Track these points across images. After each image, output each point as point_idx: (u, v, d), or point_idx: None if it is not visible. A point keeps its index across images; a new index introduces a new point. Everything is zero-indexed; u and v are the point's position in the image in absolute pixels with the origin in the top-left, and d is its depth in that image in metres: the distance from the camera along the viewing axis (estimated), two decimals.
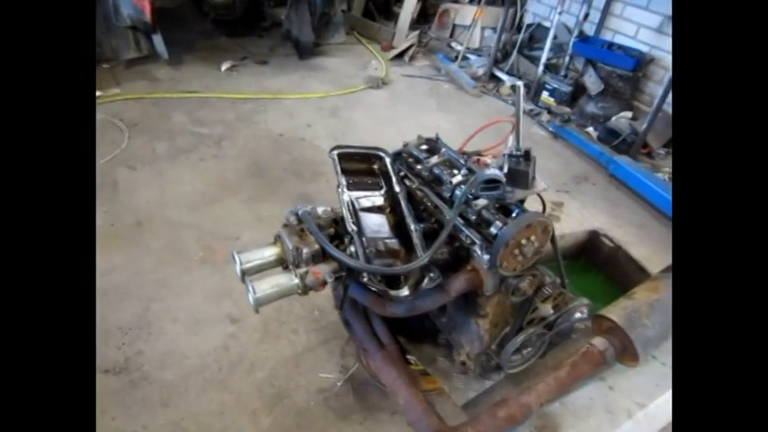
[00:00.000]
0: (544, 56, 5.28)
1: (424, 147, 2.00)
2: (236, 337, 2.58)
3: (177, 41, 5.59)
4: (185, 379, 2.33)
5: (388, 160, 1.91)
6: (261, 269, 1.56)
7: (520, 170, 1.69)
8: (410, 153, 1.99)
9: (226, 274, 2.90)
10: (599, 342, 1.86)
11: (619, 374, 1.86)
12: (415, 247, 1.58)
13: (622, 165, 4.06)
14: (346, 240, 1.58)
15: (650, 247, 3.36)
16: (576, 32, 5.19)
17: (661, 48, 4.74)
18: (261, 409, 2.25)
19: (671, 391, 1.82)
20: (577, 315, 1.91)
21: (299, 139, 4.35)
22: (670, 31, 4.56)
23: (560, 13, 5.04)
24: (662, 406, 1.78)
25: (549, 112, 5.10)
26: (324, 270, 1.54)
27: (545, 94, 5.23)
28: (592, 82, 4.88)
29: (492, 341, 1.81)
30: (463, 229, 1.66)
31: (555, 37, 5.41)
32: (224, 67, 5.48)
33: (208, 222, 3.28)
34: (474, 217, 1.66)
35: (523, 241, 1.52)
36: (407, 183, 1.94)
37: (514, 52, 5.75)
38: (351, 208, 1.65)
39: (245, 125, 4.51)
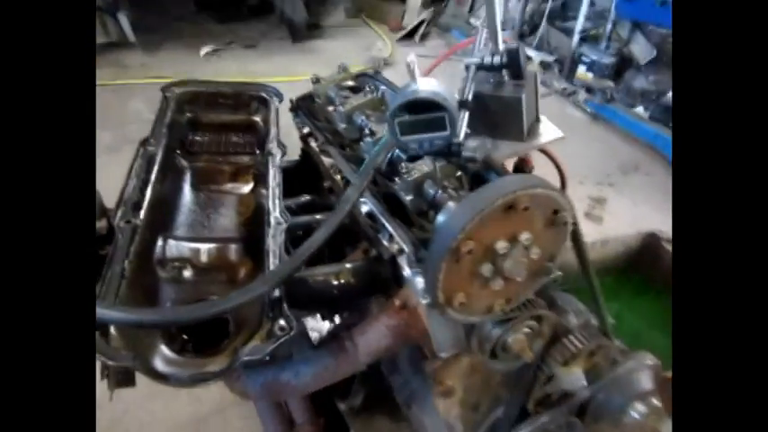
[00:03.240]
0: (578, 24, 4.32)
1: (349, 84, 1.13)
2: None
3: (155, 25, 4.97)
4: None
5: (274, 105, 1.06)
6: None
7: (502, 97, 0.80)
8: (323, 95, 1.13)
9: None
10: None
11: None
12: (265, 259, 0.73)
13: None
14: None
15: None
16: None
17: None
18: None
19: None
20: (634, 385, 1.02)
21: None
22: None
23: None
24: None
25: (588, 90, 4.13)
26: None
27: (581, 69, 4.25)
28: (641, 49, 3.89)
29: None
30: (382, 219, 0.80)
31: (592, 3, 4.44)
32: (203, 51, 4.79)
33: None
34: (409, 197, 0.79)
35: (499, 244, 0.63)
36: (311, 144, 1.08)
37: (543, 23, 4.80)
38: (140, 173, 0.81)
39: None
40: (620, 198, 2.94)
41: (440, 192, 0.78)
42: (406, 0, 5.77)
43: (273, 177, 0.86)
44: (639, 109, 3.86)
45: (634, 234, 2.13)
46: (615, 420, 0.99)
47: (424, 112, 0.67)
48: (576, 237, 0.77)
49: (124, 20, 4.36)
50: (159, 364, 0.60)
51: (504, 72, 0.82)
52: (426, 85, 0.66)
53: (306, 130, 1.12)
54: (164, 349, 0.65)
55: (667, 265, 2.10)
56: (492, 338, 0.80)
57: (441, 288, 0.65)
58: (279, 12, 5.13)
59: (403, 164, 0.82)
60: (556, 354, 0.96)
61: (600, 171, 3.22)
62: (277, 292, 0.68)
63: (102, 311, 0.57)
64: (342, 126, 1.05)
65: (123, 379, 0.80)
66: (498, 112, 0.81)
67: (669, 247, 2.12)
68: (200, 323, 0.70)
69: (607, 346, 1.03)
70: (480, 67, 0.81)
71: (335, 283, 0.79)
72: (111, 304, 0.63)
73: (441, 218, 0.68)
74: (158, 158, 0.86)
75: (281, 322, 0.64)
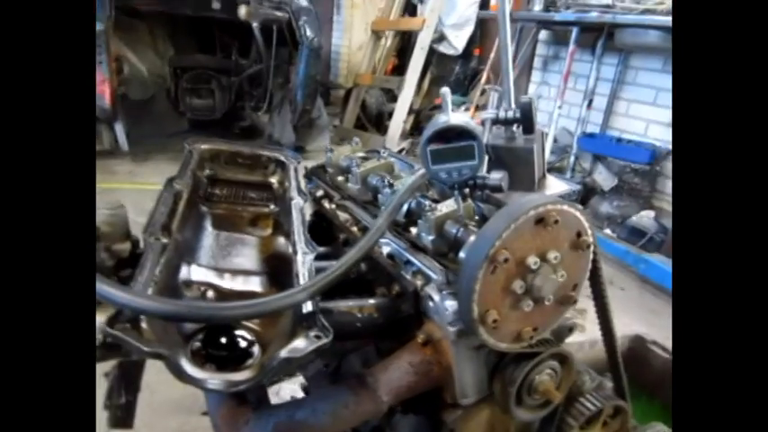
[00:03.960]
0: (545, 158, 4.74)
1: (360, 155, 1.22)
2: None
3: (146, 137, 5.19)
4: None
5: (292, 167, 1.12)
6: None
7: (515, 148, 0.88)
8: (335, 165, 1.21)
9: None
10: None
11: None
12: (294, 282, 0.72)
13: (656, 264, 3.22)
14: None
15: None
16: (578, 130, 4.71)
17: None
18: None
19: None
20: None
21: None
22: None
23: (560, 107, 4.60)
24: None
25: None
26: None
27: None
28: (603, 178, 4.26)
29: None
30: (406, 255, 0.81)
31: (555, 140, 4.95)
32: None
33: None
34: (431, 236, 0.82)
35: (530, 259, 0.66)
36: (325, 204, 1.12)
37: None
38: (167, 203, 0.82)
39: None
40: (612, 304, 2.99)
41: (462, 230, 0.82)
42: (386, 131, 6.27)
43: (297, 217, 0.88)
44: (607, 231, 4.11)
45: (620, 336, 2.15)
46: None
47: (454, 141, 0.74)
48: (596, 265, 0.80)
49: (120, 130, 4.56)
50: (188, 368, 0.56)
51: (516, 129, 0.91)
52: (457, 118, 0.74)
53: (320, 193, 1.17)
54: (188, 358, 0.61)
55: (654, 367, 2.09)
56: (516, 380, 0.78)
57: (476, 301, 0.65)
58: (267, 134, 5.45)
59: (426, 203, 0.86)
60: (573, 416, 0.92)
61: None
62: (310, 306, 0.66)
63: (137, 300, 0.55)
64: (356, 188, 1.11)
65: (123, 417, 0.73)
66: (511, 164, 0.88)
67: (656, 349, 2.13)
68: (223, 333, 0.67)
69: (625, 410, 1.00)
70: (495, 121, 0.90)
71: (359, 315, 0.78)
72: (147, 295, 0.61)
73: (471, 240, 0.70)
74: (184, 196, 0.88)
75: (315, 331, 0.62)
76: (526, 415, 0.82)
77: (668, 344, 2.18)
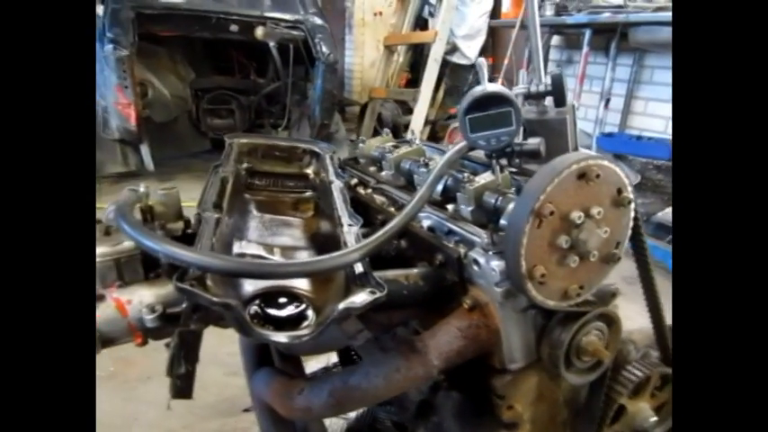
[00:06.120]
0: None
1: (391, 144, 1.25)
2: None
3: (170, 158, 5.32)
4: None
5: (327, 156, 1.16)
6: None
7: (548, 120, 0.90)
8: (367, 155, 1.24)
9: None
10: None
11: None
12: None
13: None
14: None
15: None
16: (596, 132, 4.70)
17: None
18: None
19: None
20: None
21: None
22: None
23: (577, 109, 4.58)
24: None
25: None
26: (140, 297, 0.70)
27: None
28: (626, 175, 4.21)
29: None
30: (448, 224, 0.84)
31: None
32: None
33: None
34: (470, 207, 0.84)
35: (574, 214, 0.68)
36: (360, 191, 1.15)
37: None
38: (218, 188, 0.86)
39: None
40: (629, 305, 2.94)
41: (501, 198, 0.84)
42: None
43: (338, 197, 0.91)
44: None
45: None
46: None
47: (492, 109, 0.76)
48: (637, 230, 0.81)
49: (146, 151, 4.68)
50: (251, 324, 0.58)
51: (547, 102, 0.93)
52: (493, 86, 0.76)
53: (354, 181, 1.20)
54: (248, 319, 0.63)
55: None
56: (564, 341, 0.79)
57: (524, 256, 0.67)
58: None
59: (464, 175, 0.88)
60: (621, 383, 0.92)
61: (605, 283, 3.26)
62: (361, 267, 0.69)
63: (202, 258, 0.58)
64: (390, 173, 1.13)
65: (183, 387, 0.75)
66: (545, 136, 0.90)
67: None
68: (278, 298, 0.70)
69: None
70: (527, 96, 0.92)
71: (405, 283, 0.80)
72: (211, 253, 0.64)
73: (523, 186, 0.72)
74: (231, 180, 0.92)
75: (372, 288, 0.64)
76: (575, 378, 0.83)
77: None
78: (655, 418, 0.93)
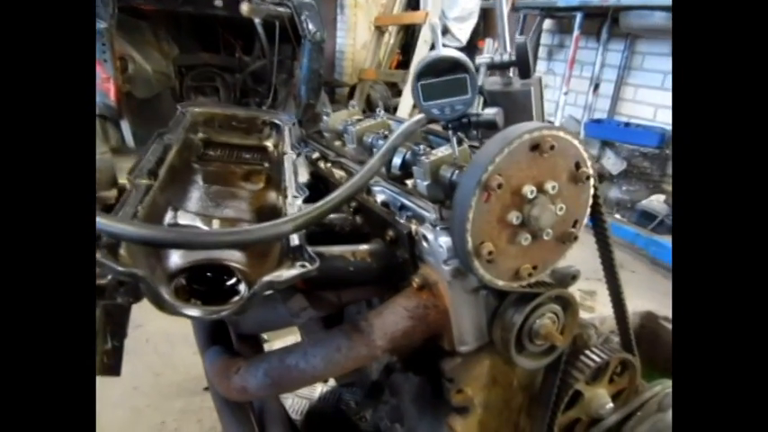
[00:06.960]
0: None
1: (356, 118, 1.19)
2: None
3: (152, 135, 5.19)
4: None
5: (287, 128, 1.10)
6: None
7: (511, 92, 0.85)
8: (332, 129, 1.19)
9: None
10: None
11: None
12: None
13: (667, 246, 3.16)
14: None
15: None
16: (585, 117, 4.66)
17: None
18: None
19: None
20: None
21: None
22: None
23: (566, 94, 4.55)
24: None
25: None
26: None
27: None
28: (612, 163, 4.20)
29: None
30: (400, 199, 0.79)
31: None
32: None
33: None
34: (426, 182, 0.80)
35: (526, 188, 0.63)
36: (321, 165, 1.10)
37: None
38: (156, 152, 0.81)
39: None
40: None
41: (457, 172, 0.79)
42: None
43: (288, 168, 0.86)
44: (617, 216, 4.05)
45: (631, 314, 2.10)
46: None
47: (446, 75, 0.71)
48: (596, 207, 0.77)
49: (126, 127, 4.57)
50: (167, 296, 0.54)
51: (512, 73, 0.88)
52: (447, 51, 0.71)
53: (316, 155, 1.15)
54: (170, 292, 0.58)
55: (667, 344, 2.03)
56: (516, 323, 0.75)
57: (470, 231, 0.63)
58: None
59: (421, 147, 0.84)
60: (578, 368, 0.89)
61: (588, 269, 3.25)
62: (297, 240, 0.64)
63: (112, 224, 0.53)
64: (352, 147, 1.08)
65: (110, 363, 0.71)
66: (508, 108, 0.85)
67: (667, 325, 2.07)
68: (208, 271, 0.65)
69: (633, 366, 0.97)
70: (491, 66, 0.87)
71: (352, 260, 0.75)
72: (121, 218, 0.59)
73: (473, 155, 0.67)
74: (174, 148, 0.86)
75: (302, 262, 0.60)
76: (528, 362, 0.79)
77: None
78: (611, 405, 0.90)
